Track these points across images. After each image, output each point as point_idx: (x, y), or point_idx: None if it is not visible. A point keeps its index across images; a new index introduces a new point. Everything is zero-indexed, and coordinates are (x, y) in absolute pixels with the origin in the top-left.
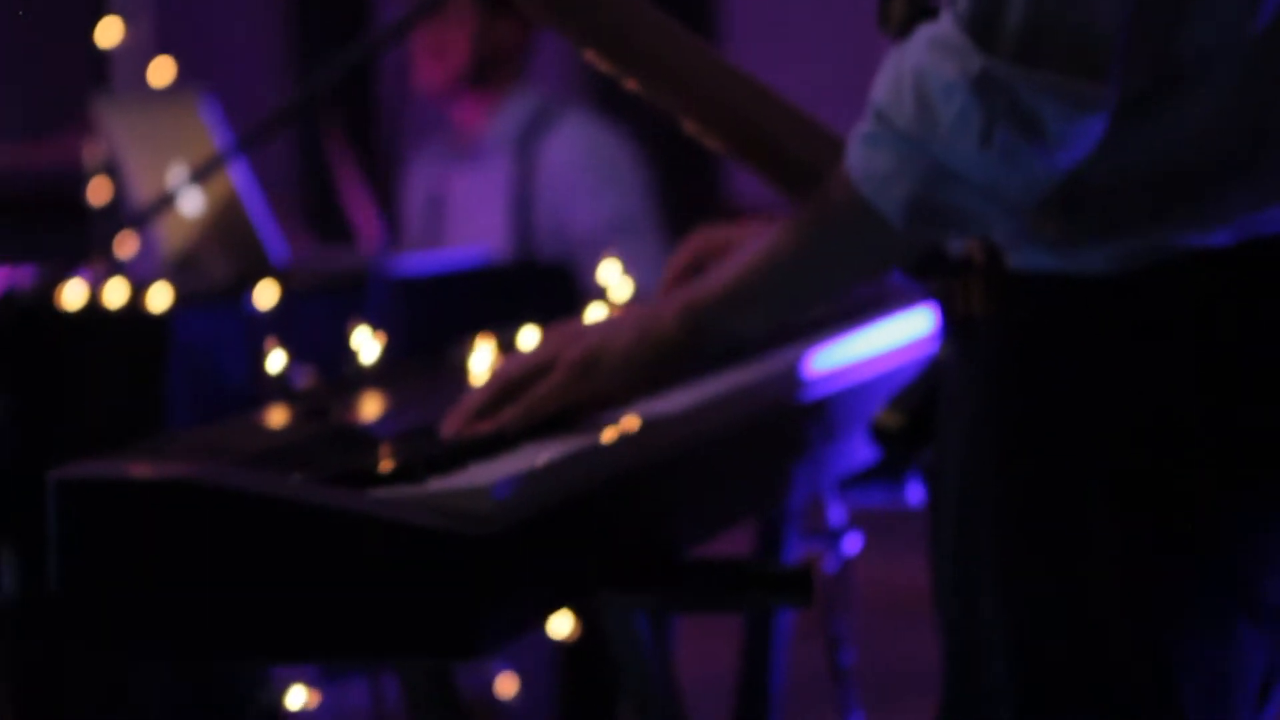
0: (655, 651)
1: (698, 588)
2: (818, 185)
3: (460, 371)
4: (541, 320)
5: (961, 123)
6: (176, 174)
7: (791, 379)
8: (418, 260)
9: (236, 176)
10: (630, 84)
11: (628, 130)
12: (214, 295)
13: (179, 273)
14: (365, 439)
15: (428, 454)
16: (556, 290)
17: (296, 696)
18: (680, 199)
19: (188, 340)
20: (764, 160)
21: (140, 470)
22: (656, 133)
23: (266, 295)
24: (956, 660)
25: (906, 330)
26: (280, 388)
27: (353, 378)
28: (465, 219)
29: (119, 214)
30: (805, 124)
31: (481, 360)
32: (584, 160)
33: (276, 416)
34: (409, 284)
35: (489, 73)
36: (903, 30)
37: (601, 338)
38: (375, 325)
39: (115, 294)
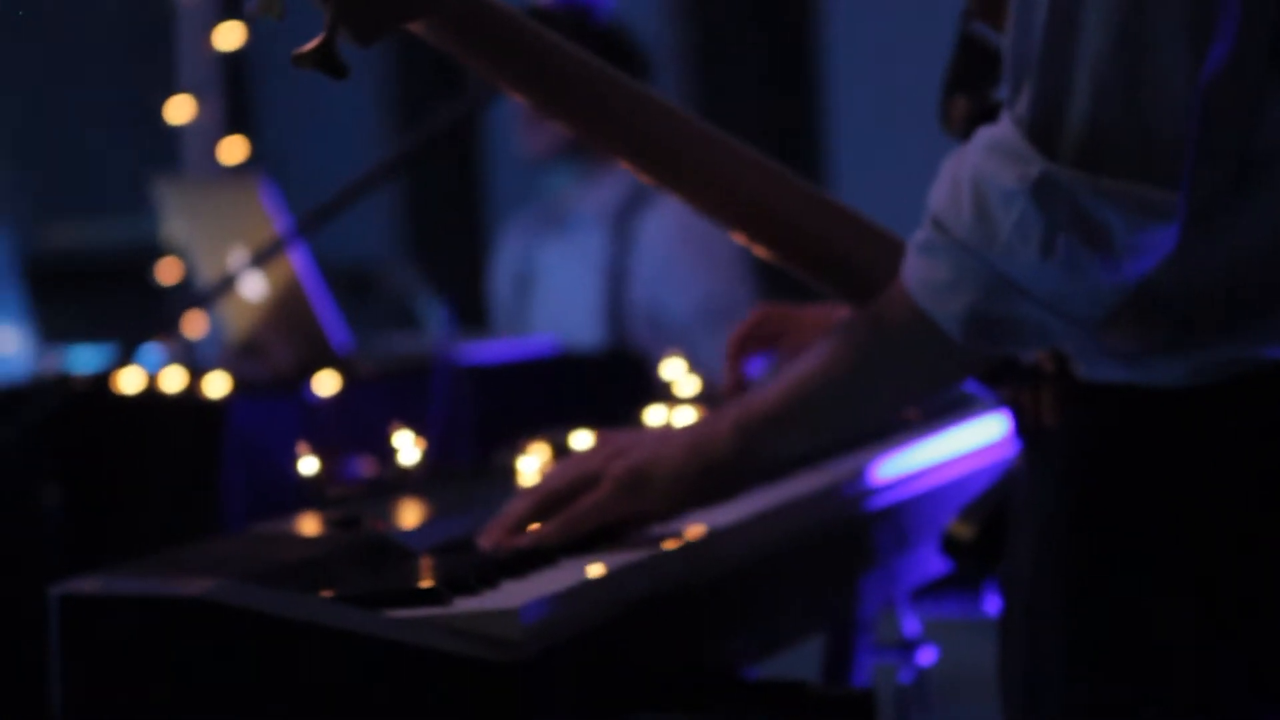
0: None
1: (754, 711)
2: (875, 292)
3: (507, 476)
4: (622, 412)
5: (1021, 232)
6: (237, 257)
7: (860, 485)
8: (488, 348)
9: (298, 263)
10: (672, 194)
11: None
12: (272, 383)
13: (242, 358)
14: (396, 552)
15: (459, 571)
16: (637, 381)
17: None
18: (780, 282)
19: (244, 429)
20: (817, 266)
21: (151, 586)
22: None
23: (327, 384)
24: None
25: (981, 434)
26: (316, 490)
27: (391, 482)
28: (555, 295)
29: (187, 294)
30: (862, 226)
31: (531, 464)
32: (682, 240)
33: (307, 526)
34: (480, 372)
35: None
36: (967, 131)
37: (652, 453)
38: (440, 416)
39: (172, 380)
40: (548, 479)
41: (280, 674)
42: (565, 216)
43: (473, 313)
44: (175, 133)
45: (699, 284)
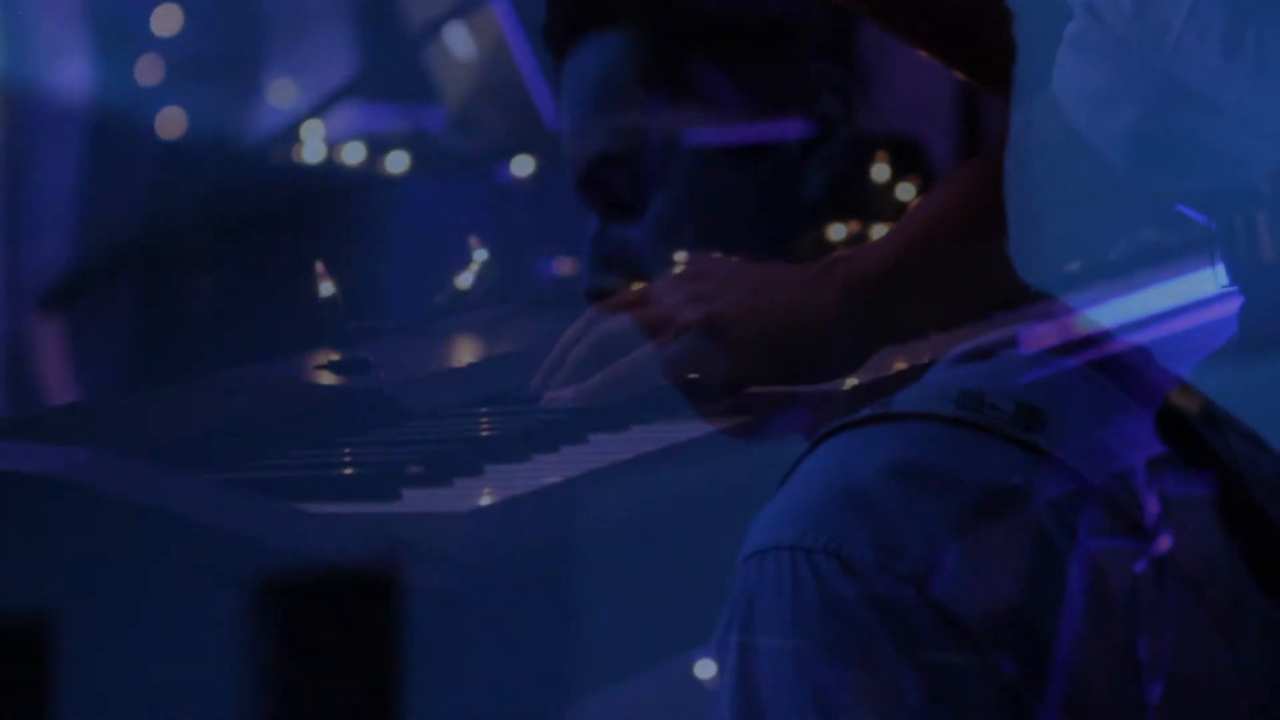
0: None
1: None
2: None
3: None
4: None
5: (1198, 23)
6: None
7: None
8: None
9: (505, 21)
10: None
11: None
12: (462, 160)
13: (455, 129)
14: (385, 413)
15: (448, 448)
16: None
17: None
18: None
19: (420, 211)
20: None
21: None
22: None
23: (523, 164)
24: None
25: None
26: (334, 319)
27: (441, 310)
28: None
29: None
30: None
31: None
32: None
33: (295, 370)
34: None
35: None
36: None
37: (737, 302)
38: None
39: (353, 152)
40: (605, 317)
41: (134, 577)
42: None
43: None
44: None
45: None
